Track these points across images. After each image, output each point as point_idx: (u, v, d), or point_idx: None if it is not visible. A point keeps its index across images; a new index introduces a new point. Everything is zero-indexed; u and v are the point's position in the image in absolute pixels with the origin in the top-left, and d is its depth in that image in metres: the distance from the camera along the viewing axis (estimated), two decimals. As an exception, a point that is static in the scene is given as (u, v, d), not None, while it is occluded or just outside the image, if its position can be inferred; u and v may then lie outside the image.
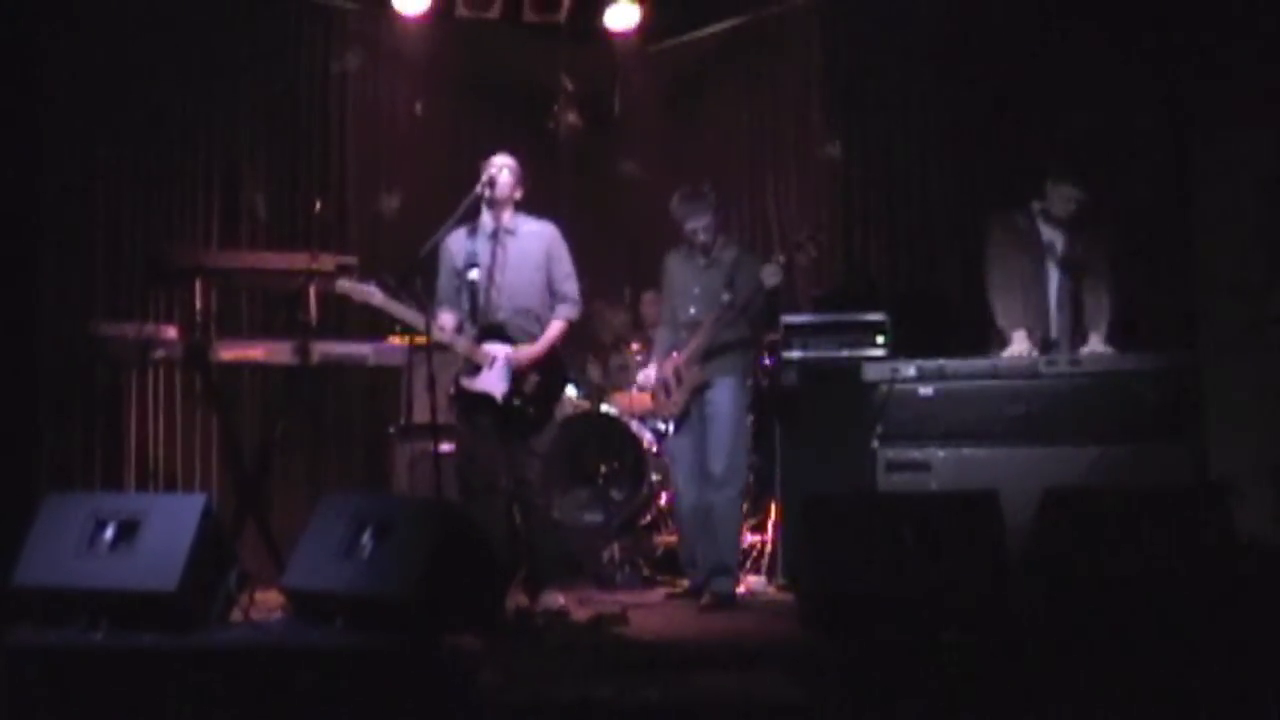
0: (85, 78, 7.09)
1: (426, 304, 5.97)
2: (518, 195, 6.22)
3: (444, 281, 6.23)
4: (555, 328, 6.20)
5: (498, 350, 6.06)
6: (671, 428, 6.78)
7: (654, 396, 6.84)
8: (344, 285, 6.02)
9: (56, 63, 6.94)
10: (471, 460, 6.13)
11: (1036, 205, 6.28)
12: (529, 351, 6.09)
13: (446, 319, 6.10)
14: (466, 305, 6.13)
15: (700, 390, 6.53)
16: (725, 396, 6.49)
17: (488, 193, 6.11)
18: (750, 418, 7.33)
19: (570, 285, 6.26)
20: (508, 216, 6.20)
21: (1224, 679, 4.20)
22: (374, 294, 5.93)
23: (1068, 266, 6.20)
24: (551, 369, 6.20)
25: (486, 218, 6.18)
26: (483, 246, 6.15)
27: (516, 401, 6.06)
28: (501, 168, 6.15)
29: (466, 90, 8.72)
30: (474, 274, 6.11)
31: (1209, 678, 4.21)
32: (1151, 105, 6.92)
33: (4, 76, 6.57)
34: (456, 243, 6.19)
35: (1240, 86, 6.63)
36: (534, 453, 6.14)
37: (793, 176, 8.39)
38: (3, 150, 6.51)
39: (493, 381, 6.04)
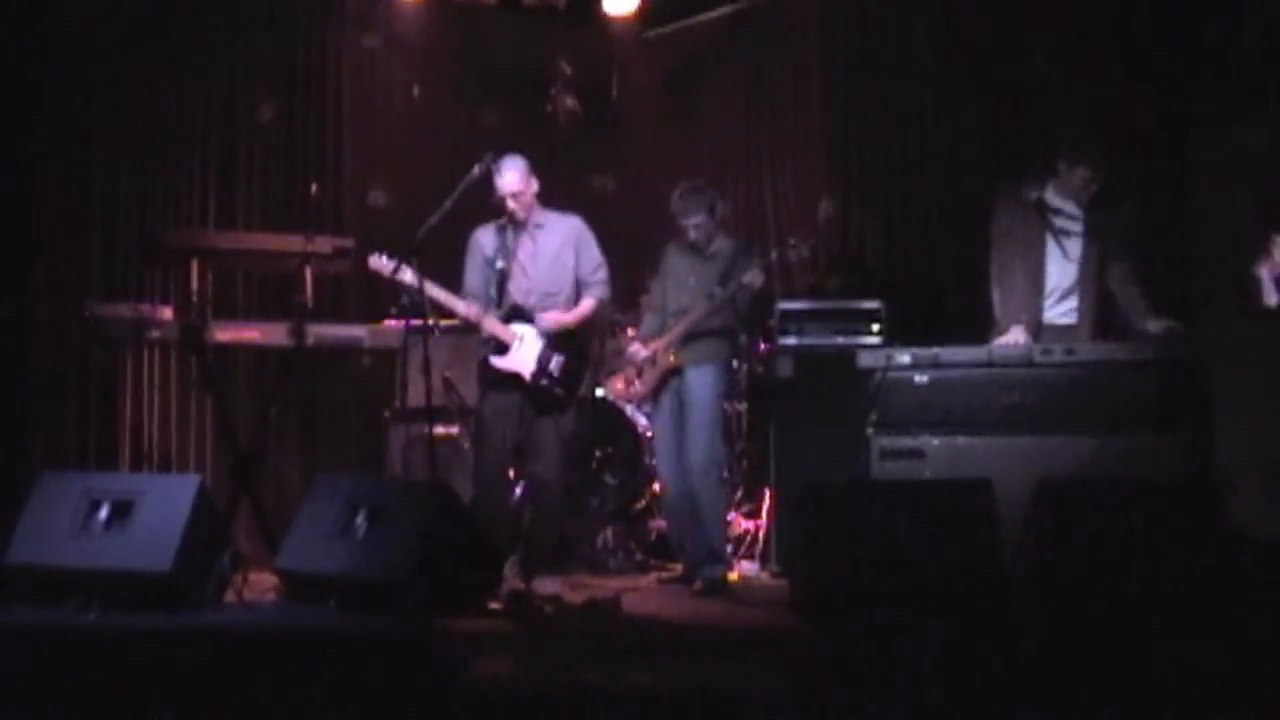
0: (83, 59, 7.08)
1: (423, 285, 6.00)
2: (535, 189, 6.33)
3: (471, 274, 6.33)
4: (587, 304, 6.36)
5: (524, 330, 6.15)
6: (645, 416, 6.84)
7: (626, 380, 6.89)
8: (376, 263, 6.05)
9: (55, 44, 6.94)
10: (488, 437, 6.19)
11: (1049, 184, 6.11)
12: (559, 316, 6.23)
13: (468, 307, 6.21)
14: (495, 295, 6.23)
15: (671, 375, 6.55)
16: (703, 384, 6.49)
17: (517, 210, 6.22)
18: (744, 405, 7.37)
19: (600, 274, 6.41)
20: (536, 212, 6.35)
21: (1217, 671, 4.21)
22: (405, 271, 5.96)
23: (1087, 246, 6.04)
24: (578, 350, 6.32)
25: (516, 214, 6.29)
26: (513, 240, 6.27)
27: (544, 381, 6.14)
28: (514, 192, 6.20)
29: (464, 74, 8.70)
30: (501, 263, 6.22)
31: (1201, 670, 4.22)
32: (1150, 98, 6.91)
33: (3, 59, 6.57)
34: (486, 236, 6.32)
35: (1238, 81, 6.64)
36: (560, 432, 6.25)
37: (789, 162, 8.37)
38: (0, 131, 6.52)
39: (521, 360, 6.13)
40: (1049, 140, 6.44)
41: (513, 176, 6.21)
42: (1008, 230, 6.20)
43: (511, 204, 6.23)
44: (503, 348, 6.15)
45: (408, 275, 5.94)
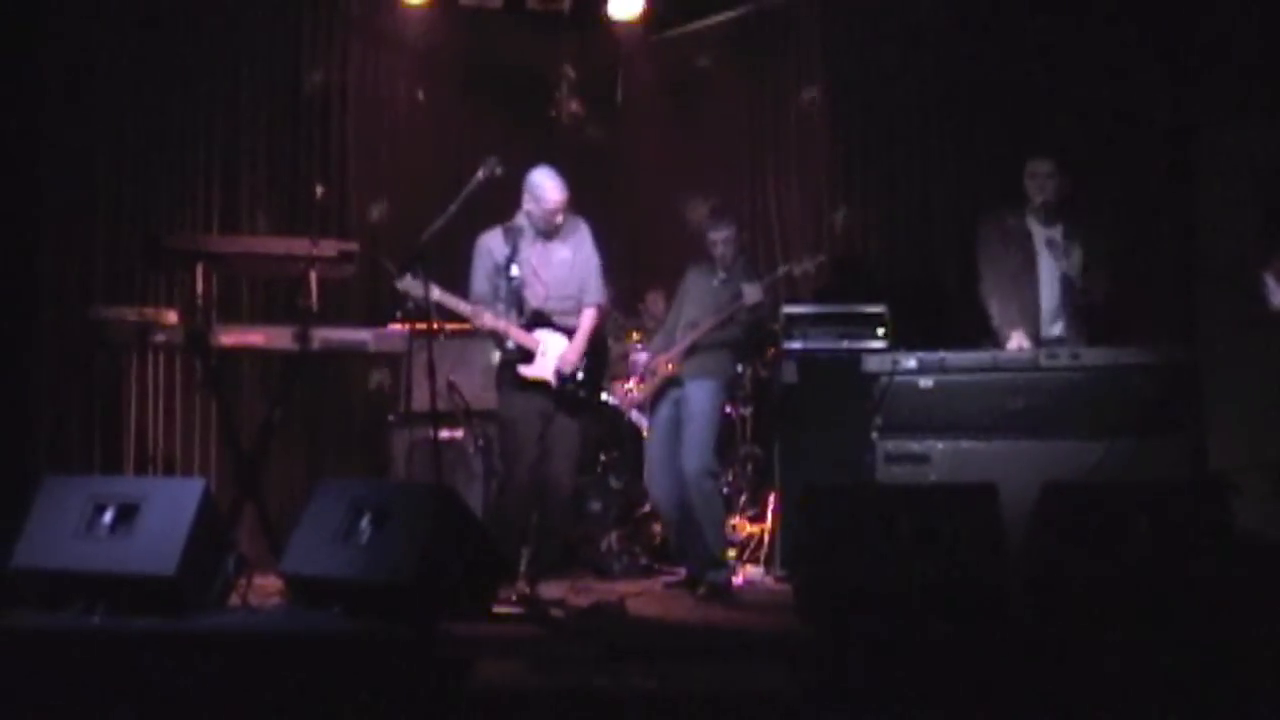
0: (86, 62, 7.08)
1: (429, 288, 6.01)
2: None
3: (480, 281, 6.27)
4: (588, 317, 6.32)
5: (547, 336, 6.19)
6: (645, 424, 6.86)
7: (625, 385, 6.92)
8: (405, 284, 6.02)
9: (58, 47, 6.94)
10: (520, 439, 6.19)
11: (1025, 209, 6.24)
12: (575, 349, 6.21)
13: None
14: (508, 299, 6.21)
15: (669, 385, 6.57)
16: (702, 397, 6.50)
17: (555, 221, 6.23)
18: (749, 409, 7.37)
19: (597, 280, 6.39)
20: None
21: (1221, 674, 4.21)
22: (433, 289, 5.97)
23: (1066, 262, 6.15)
24: (595, 352, 6.35)
25: (527, 219, 6.28)
26: (526, 245, 6.25)
27: (568, 385, 6.20)
28: (559, 207, 6.21)
29: (469, 78, 8.70)
30: (516, 270, 6.21)
31: (1205, 673, 4.22)
32: (1153, 99, 6.92)
33: (5, 61, 6.57)
34: (495, 242, 6.27)
35: (1242, 81, 6.64)
36: (580, 433, 6.34)
37: (793, 166, 8.37)
38: (3, 134, 6.52)
39: (547, 367, 6.17)
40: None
41: (555, 189, 6.21)
42: (998, 256, 6.27)
43: (558, 219, 6.23)
44: (528, 355, 6.17)
45: (438, 293, 5.97)
